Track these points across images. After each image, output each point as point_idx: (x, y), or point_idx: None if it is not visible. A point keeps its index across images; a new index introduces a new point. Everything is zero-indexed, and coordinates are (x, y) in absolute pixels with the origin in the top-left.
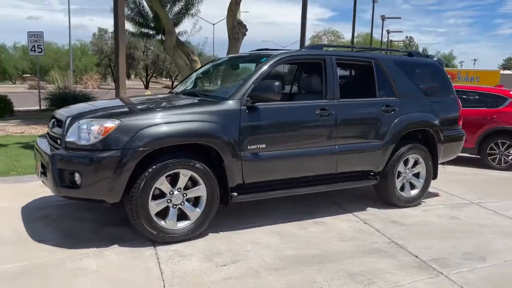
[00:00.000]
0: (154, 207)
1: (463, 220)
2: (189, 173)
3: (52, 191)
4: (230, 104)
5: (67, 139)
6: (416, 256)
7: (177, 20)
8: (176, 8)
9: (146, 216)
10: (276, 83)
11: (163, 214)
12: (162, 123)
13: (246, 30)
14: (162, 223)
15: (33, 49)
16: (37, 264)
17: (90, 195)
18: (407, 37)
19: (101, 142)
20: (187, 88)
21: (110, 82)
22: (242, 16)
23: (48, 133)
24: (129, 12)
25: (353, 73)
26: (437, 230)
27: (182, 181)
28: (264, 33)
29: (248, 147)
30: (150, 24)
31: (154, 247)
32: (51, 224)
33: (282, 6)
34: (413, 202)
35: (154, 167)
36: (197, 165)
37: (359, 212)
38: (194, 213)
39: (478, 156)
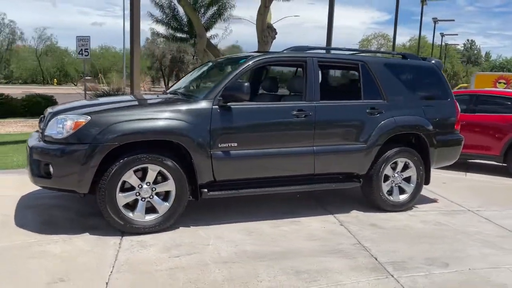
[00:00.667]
0: (122, 199)
1: (447, 227)
2: (158, 168)
3: (30, 181)
4: (202, 103)
5: (46, 133)
6: (375, 258)
7: (209, 24)
8: (209, 13)
9: (114, 207)
10: (245, 84)
11: (133, 206)
12: (130, 120)
13: (276, 33)
14: (130, 214)
15: (80, 52)
16: (7, 246)
17: (61, 185)
18: (468, 40)
19: (72, 136)
20: (176, 88)
21: (162, 84)
22: (296, 20)
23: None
24: (164, 17)
25: (338, 75)
26: (414, 235)
27: (151, 175)
28: (321, 36)
29: (219, 146)
30: (184, 28)
31: (122, 237)
32: (39, 212)
33: (338, 9)
34: (402, 206)
35: (121, 161)
36: (165, 161)
37: (342, 214)
38: (163, 207)
39: (504, 164)
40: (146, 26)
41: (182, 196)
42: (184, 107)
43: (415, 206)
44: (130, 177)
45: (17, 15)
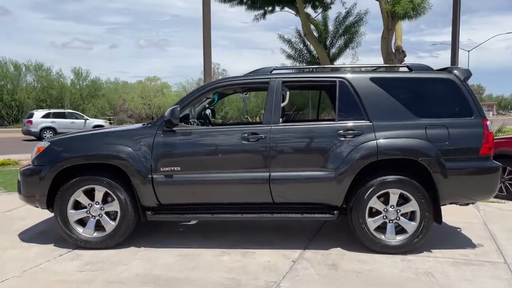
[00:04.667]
0: (73, 215)
1: (433, 281)
2: (104, 189)
3: None
4: (149, 129)
5: (32, 158)
6: None
7: (336, 55)
8: (338, 43)
9: (65, 222)
10: (177, 108)
11: (85, 222)
12: (78, 145)
13: (405, 56)
14: (80, 230)
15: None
16: None
17: (26, 201)
18: None
19: (35, 159)
20: None
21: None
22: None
23: None
24: (292, 53)
25: (310, 95)
26: (372, 284)
27: (98, 196)
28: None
29: (161, 170)
30: (317, 60)
31: (73, 249)
32: (30, 223)
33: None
34: (399, 249)
35: (69, 182)
36: (106, 182)
37: (317, 250)
38: (109, 226)
39: None
40: (277, 62)
41: (126, 217)
42: (131, 133)
43: (431, 249)
44: (80, 196)
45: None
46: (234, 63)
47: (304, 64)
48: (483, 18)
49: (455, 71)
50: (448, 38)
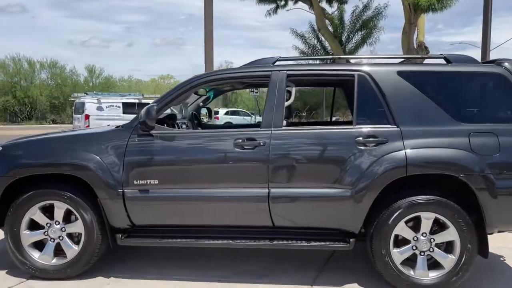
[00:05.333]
0: (28, 237)
1: None
2: (65, 205)
3: None
4: (118, 130)
5: None
6: None
7: (353, 50)
8: (355, 38)
9: (17, 246)
10: (153, 108)
11: (42, 246)
12: (33, 152)
13: (427, 52)
14: (35, 255)
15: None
16: None
17: None
18: None
19: None
20: None
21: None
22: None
23: None
24: (305, 49)
25: (324, 92)
26: None
27: (59, 213)
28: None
29: (135, 182)
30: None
31: (26, 279)
32: None
33: None
34: None
35: (23, 196)
36: (68, 197)
37: (327, 286)
38: (71, 251)
39: None
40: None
41: (92, 240)
42: (99, 136)
43: None
44: (36, 214)
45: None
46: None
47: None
48: (504, 18)
49: (506, 64)
50: (467, 38)
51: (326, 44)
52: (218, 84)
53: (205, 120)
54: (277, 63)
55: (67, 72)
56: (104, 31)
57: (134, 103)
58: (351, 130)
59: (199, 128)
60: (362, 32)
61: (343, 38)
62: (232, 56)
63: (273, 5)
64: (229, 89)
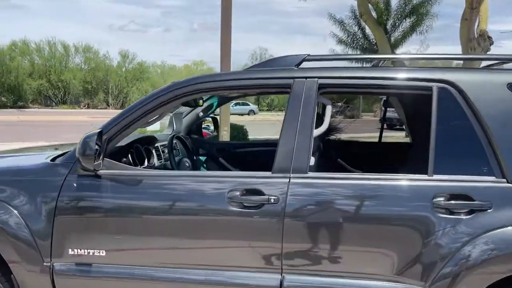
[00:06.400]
0: None
1: None
2: None
3: None
4: (49, 166)
5: None
6: None
7: (399, 40)
8: (402, 26)
9: None
10: (92, 139)
11: None
12: None
13: (491, 43)
14: None
15: None
16: None
17: None
18: None
19: None
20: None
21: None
22: None
23: None
24: (344, 37)
25: (375, 114)
26: None
27: None
28: None
29: (70, 253)
30: (374, 47)
31: None
32: None
33: None
34: None
35: None
36: None
37: None
38: None
39: None
40: (325, 50)
41: None
42: (19, 174)
43: None
44: None
45: (279, 49)
46: (283, 49)
47: (359, 52)
48: None
49: None
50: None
51: (368, 31)
52: (212, 94)
53: (210, 133)
54: (302, 65)
55: (100, 56)
56: (143, 16)
57: None
58: (425, 184)
59: (192, 150)
60: (412, 19)
61: (388, 26)
62: (266, 42)
63: None
64: (238, 96)
